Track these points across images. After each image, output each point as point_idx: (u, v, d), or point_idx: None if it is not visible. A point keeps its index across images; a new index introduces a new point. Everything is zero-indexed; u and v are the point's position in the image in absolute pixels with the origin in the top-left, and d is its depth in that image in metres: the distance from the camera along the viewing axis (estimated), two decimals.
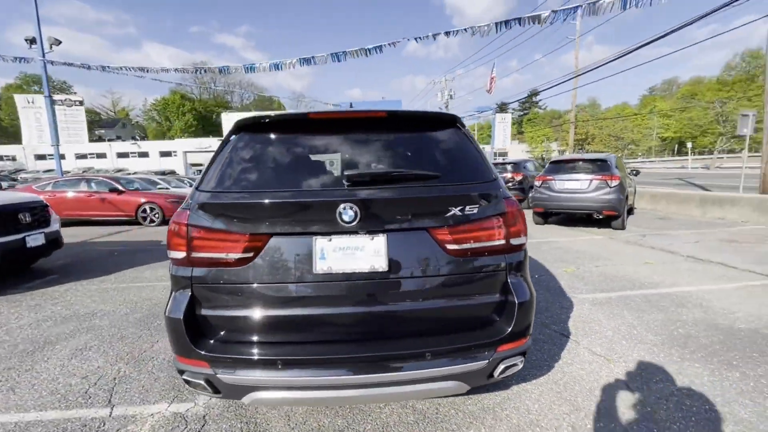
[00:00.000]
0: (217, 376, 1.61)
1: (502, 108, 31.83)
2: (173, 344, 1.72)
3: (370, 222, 1.62)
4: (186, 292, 1.71)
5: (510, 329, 1.66)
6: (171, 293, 1.78)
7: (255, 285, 1.65)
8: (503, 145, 21.58)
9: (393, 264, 1.64)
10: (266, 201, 1.65)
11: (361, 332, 1.68)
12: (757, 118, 11.07)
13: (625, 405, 2.18)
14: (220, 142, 1.97)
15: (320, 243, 1.64)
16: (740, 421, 2.02)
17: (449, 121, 1.94)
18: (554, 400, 2.24)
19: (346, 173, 1.66)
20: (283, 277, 1.65)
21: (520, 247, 1.78)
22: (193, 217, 1.68)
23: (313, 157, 1.89)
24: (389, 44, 10.61)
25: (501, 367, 1.68)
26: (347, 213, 1.60)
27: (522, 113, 69.33)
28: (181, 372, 1.73)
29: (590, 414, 2.11)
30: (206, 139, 45.17)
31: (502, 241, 1.71)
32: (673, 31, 12.57)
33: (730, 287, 4.17)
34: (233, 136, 1.91)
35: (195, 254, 1.68)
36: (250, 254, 1.64)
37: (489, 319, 1.73)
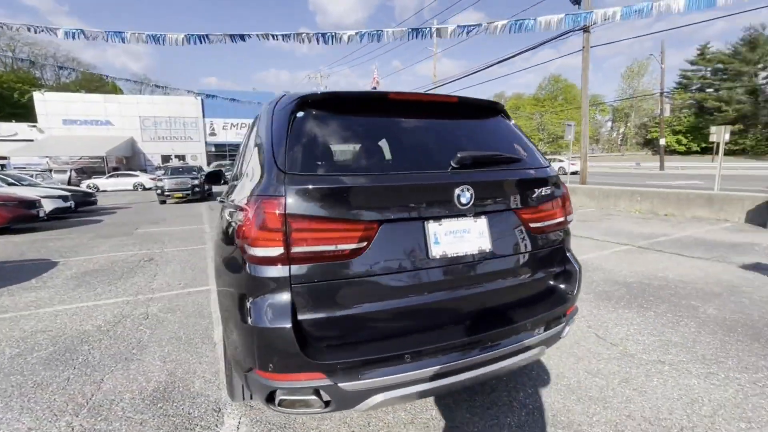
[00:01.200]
0: (338, 385, 1.40)
1: None
2: (268, 360, 1.41)
3: (476, 204, 1.65)
4: (280, 296, 1.42)
5: (575, 293, 1.93)
6: (246, 300, 1.46)
7: (369, 278, 1.49)
8: None
9: (494, 244, 1.70)
10: (379, 184, 1.51)
11: (473, 313, 1.69)
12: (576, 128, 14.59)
13: (604, 347, 2.73)
14: (274, 117, 1.69)
15: (432, 227, 1.58)
16: (675, 344, 2.77)
17: (499, 110, 2.08)
18: (559, 356, 2.64)
19: (459, 155, 1.63)
20: (398, 265, 1.53)
21: (569, 223, 2.06)
22: (292, 204, 1.40)
23: (399, 139, 1.79)
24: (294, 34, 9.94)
25: (568, 327, 1.93)
26: (465, 195, 1.59)
27: None
28: (272, 393, 1.44)
29: (588, 360, 2.57)
30: (10, 124, 34.12)
31: (563, 219, 1.96)
32: (507, 59, 15.98)
33: (606, 254, 5.49)
34: (300, 113, 1.65)
35: (297, 249, 1.41)
36: (363, 244, 1.48)
37: (558, 287, 1.96)
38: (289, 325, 1.38)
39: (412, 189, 1.57)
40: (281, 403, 1.45)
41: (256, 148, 1.80)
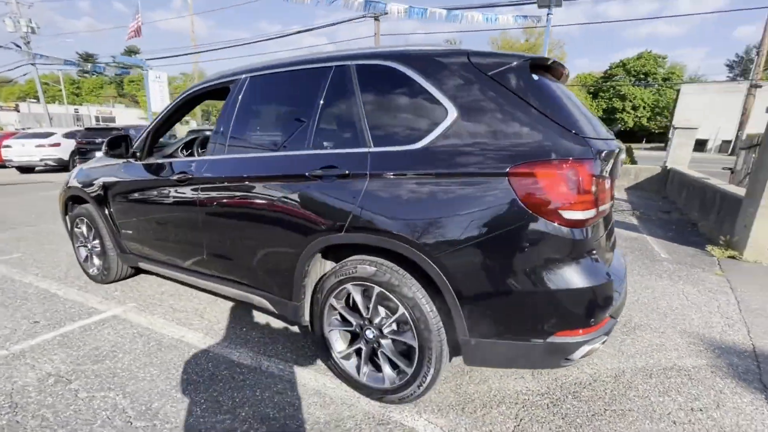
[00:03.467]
0: (616, 319, 1.64)
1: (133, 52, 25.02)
2: (588, 316, 1.49)
3: None
4: (592, 254, 1.51)
5: None
6: (559, 265, 1.47)
7: (599, 230, 1.69)
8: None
9: None
10: (611, 149, 1.68)
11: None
12: None
13: None
14: (508, 80, 1.58)
15: None
16: None
17: None
18: None
19: (616, 126, 2.00)
20: (602, 219, 1.78)
21: None
22: (597, 166, 1.47)
23: (573, 104, 1.88)
24: None
25: None
26: (622, 156, 1.98)
27: (121, 71, 59.29)
28: (573, 348, 1.52)
29: None
30: None
31: None
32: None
33: None
34: (535, 75, 1.61)
35: (600, 208, 1.50)
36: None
37: None
38: (611, 278, 1.50)
39: (614, 152, 1.84)
40: (586, 354, 1.55)
41: (451, 108, 1.64)
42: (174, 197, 2.52)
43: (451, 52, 1.73)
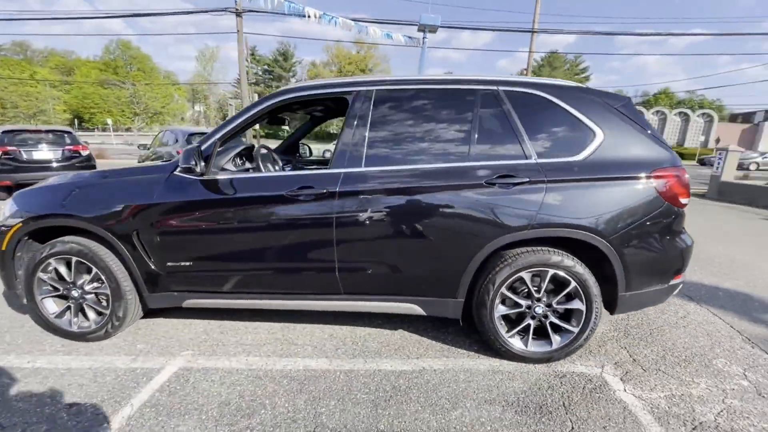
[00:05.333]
0: None
1: None
2: (684, 266, 2.35)
3: None
4: (684, 229, 2.35)
5: None
6: (680, 230, 2.27)
7: None
8: None
9: None
10: None
11: None
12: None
13: None
14: (630, 110, 2.30)
15: None
16: None
17: None
18: None
19: None
20: None
21: None
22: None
23: None
24: None
25: None
26: None
27: None
28: (676, 287, 2.37)
29: None
30: None
31: None
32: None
33: None
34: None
35: None
36: None
37: None
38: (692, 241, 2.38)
39: None
40: (677, 291, 2.41)
41: (617, 131, 2.25)
42: (290, 215, 2.27)
43: (586, 90, 2.33)
